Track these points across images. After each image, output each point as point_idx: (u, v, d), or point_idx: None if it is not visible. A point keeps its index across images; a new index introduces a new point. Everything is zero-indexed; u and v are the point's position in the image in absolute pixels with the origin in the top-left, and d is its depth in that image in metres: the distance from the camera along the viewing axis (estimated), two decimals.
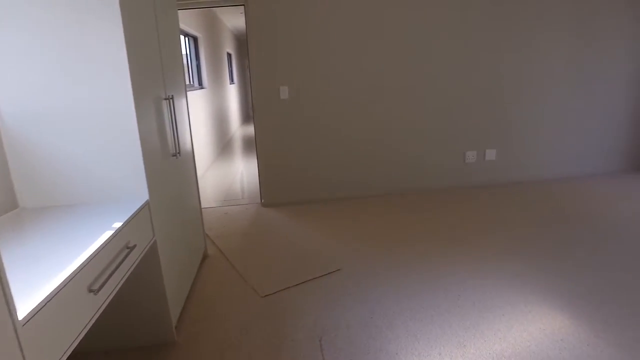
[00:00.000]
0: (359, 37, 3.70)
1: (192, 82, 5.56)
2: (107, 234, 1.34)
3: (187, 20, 4.95)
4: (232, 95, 9.37)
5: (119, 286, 1.36)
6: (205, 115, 5.76)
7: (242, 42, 11.96)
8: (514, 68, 4.07)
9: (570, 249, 2.77)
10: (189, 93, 4.76)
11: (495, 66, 4.03)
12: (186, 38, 5.30)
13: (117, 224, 1.43)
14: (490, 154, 4.28)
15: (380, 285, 2.39)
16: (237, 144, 7.62)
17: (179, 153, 2.24)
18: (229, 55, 9.42)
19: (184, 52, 5.17)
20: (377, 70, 3.82)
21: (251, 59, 3.60)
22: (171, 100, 2.16)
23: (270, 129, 3.79)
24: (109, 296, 1.27)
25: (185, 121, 2.56)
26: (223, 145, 7.27)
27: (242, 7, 3.57)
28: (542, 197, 3.88)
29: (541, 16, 3.96)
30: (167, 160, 2.05)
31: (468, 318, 2.04)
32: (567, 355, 1.75)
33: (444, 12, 3.78)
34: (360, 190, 4.10)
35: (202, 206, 3.99)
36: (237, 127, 9.73)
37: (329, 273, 2.56)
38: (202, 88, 5.78)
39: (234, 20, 8.25)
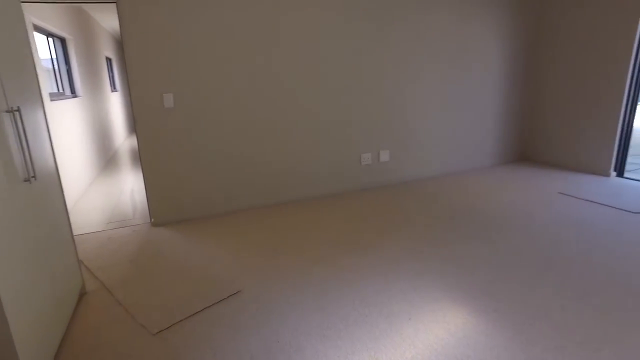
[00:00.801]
0: (249, 41, 3.53)
1: (61, 90, 4.85)
2: None
3: (50, 18, 4.28)
4: (115, 103, 8.49)
5: None
6: (82, 127, 5.07)
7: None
8: (401, 73, 4.26)
9: (463, 243, 2.93)
10: (57, 102, 4.13)
11: (384, 71, 4.17)
12: (49, 38, 4.60)
13: None
14: (385, 155, 4.42)
15: (284, 303, 2.24)
16: (125, 158, 6.90)
17: (34, 177, 1.84)
18: (109, 60, 8.53)
19: (45, 54, 4.47)
20: (269, 76, 3.69)
21: (128, 63, 3.21)
22: (17, 113, 1.76)
23: (155, 141, 3.42)
24: None
25: (44, 137, 2.14)
26: (107, 160, 6.51)
27: (115, 4, 3.16)
28: (433, 194, 4.11)
29: (428, 26, 4.21)
30: (15, 187, 1.66)
31: (377, 327, 1.99)
32: (470, 352, 1.79)
33: (332, 17, 3.80)
34: (257, 200, 3.92)
35: (81, 232, 3.46)
36: (123, 139, 8.85)
37: (229, 296, 2.34)
38: (75, 96, 5.08)
39: (111, 21, 7.47)
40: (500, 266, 2.57)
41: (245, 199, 3.86)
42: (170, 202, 3.59)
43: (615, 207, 3.53)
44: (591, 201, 3.70)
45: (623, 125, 4.28)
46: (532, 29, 4.85)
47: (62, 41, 5.00)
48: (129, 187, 4.91)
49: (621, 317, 2.02)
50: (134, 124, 3.39)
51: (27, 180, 1.79)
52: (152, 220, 3.57)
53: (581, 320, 2.00)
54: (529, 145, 5.28)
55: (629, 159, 4.37)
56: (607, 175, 4.43)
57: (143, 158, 3.42)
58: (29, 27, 3.59)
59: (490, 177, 4.62)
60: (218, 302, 2.29)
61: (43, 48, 4.35)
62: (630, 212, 3.42)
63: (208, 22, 3.35)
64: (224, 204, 3.78)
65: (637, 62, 4.09)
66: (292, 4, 3.61)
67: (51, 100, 3.96)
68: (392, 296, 2.26)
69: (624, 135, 4.33)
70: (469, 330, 1.93)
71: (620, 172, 4.45)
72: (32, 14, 3.74)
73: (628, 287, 2.29)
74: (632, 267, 2.52)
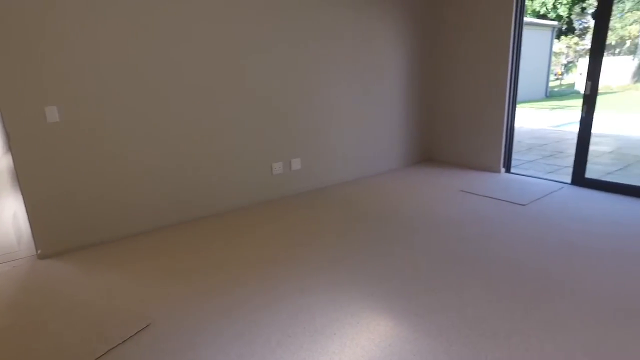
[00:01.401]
0: (149, 46, 3.25)
1: None
2: None
3: None
4: None
5: None
6: None
7: None
8: (309, 80, 4.27)
9: (377, 247, 3.00)
10: None
11: (291, 79, 4.14)
12: None
13: None
14: (296, 163, 4.39)
15: (200, 333, 2.07)
16: (2, 179, 5.97)
17: None
18: None
19: None
20: (173, 83, 3.44)
21: None
22: None
23: (38, 160, 2.97)
24: None
25: None
26: None
27: None
28: (346, 199, 4.17)
29: (335, 36, 4.26)
30: None
31: (301, 347, 1.92)
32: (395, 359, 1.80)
33: (239, 26, 3.67)
34: (162, 220, 3.63)
35: None
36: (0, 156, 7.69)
37: (137, 333, 2.10)
38: None
39: None
40: (415, 268, 2.67)
41: (147, 219, 3.53)
42: (60, 228, 3.15)
43: (507, 201, 3.89)
44: (488, 197, 4.04)
45: (507, 125, 4.77)
46: (428, 36, 5.19)
47: None
48: (9, 214, 4.24)
49: (525, 306, 2.19)
50: (8, 143, 2.91)
51: None
52: (39, 251, 3.10)
53: (489, 312, 2.13)
54: (432, 147, 5.65)
55: (514, 156, 4.92)
56: (498, 172, 4.90)
57: (23, 180, 2.95)
58: None
59: (399, 179, 4.83)
60: (124, 341, 2.04)
61: None
62: (519, 204, 3.80)
63: (101, 25, 3.01)
64: (123, 226, 3.42)
65: (513, 67, 4.59)
66: (197, 13, 3.40)
67: None
68: (313, 311, 2.21)
69: (508, 135, 4.82)
70: (393, 339, 1.95)
71: (508, 168, 4.95)
72: None
73: (524, 276, 2.51)
74: (525, 256, 2.78)
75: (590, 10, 20.18)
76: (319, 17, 4.17)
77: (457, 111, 5.20)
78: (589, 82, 4.03)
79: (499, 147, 4.84)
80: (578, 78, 18.78)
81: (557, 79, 22.81)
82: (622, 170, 5.13)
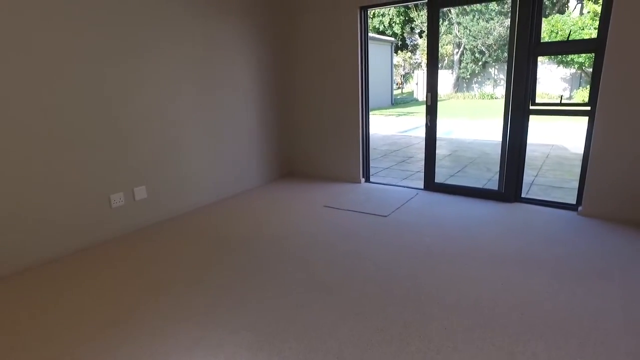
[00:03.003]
0: None
1: None
2: None
3: None
4: None
5: None
6: None
7: None
8: (153, 101, 3.65)
9: (237, 285, 2.58)
10: None
11: (132, 99, 3.47)
12: None
13: None
14: (140, 192, 3.71)
15: None
16: None
17: None
18: None
19: None
20: None
21: None
22: None
23: None
24: None
25: None
26: None
27: None
28: (201, 227, 3.66)
29: (181, 47, 3.70)
30: None
31: None
32: None
33: (69, 41, 2.88)
34: None
35: None
36: None
37: None
38: None
39: None
40: (281, 307, 2.34)
41: None
42: None
43: (370, 214, 3.87)
44: (352, 210, 3.97)
45: (363, 136, 4.84)
46: (282, 49, 4.99)
47: None
48: None
49: (397, 346, 2.03)
50: None
51: None
52: None
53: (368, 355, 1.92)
54: (293, 161, 5.46)
55: (372, 163, 5.06)
56: (359, 182, 4.94)
57: None
58: None
59: (261, 198, 4.50)
60: None
61: None
62: (382, 215, 3.81)
63: None
64: None
65: (363, 78, 4.68)
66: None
67: None
68: None
69: (364, 145, 4.91)
70: None
71: (367, 178, 5.04)
72: None
73: (395, 304, 2.39)
74: (395, 273, 2.69)
75: (417, 30, 23.15)
76: (157, 26, 3.59)
77: (314, 123, 5.11)
78: (429, 94, 4.30)
79: (357, 158, 4.88)
80: (415, 87, 21.36)
81: (399, 87, 25.69)
82: (461, 172, 5.70)
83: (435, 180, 4.54)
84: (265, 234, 3.48)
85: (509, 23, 3.85)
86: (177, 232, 3.61)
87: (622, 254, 2.89)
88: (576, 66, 17.12)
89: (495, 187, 4.33)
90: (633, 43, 3.17)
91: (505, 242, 3.16)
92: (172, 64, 3.81)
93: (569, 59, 16.43)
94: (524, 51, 3.68)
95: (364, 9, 4.49)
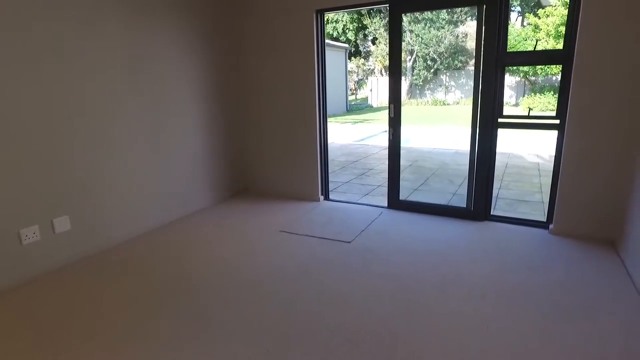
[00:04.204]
0: None
1: None
2: None
3: None
4: None
5: None
6: None
7: None
8: (80, 117, 3.05)
9: (176, 342, 2.08)
10: None
11: (50, 110, 2.86)
12: None
13: None
14: (62, 224, 3.10)
15: None
16: None
17: None
18: None
19: None
20: None
21: None
22: None
23: None
24: None
25: None
26: None
27: None
28: (139, 260, 3.10)
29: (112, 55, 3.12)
30: None
31: None
32: None
33: None
34: None
35: None
36: None
37: None
38: None
39: None
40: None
41: None
42: None
43: (332, 239, 3.48)
44: (311, 236, 3.56)
45: (320, 149, 4.45)
46: (230, 55, 4.50)
47: None
48: None
49: None
50: None
51: None
52: None
53: None
54: (248, 177, 4.97)
55: (330, 177, 4.67)
56: (318, 200, 4.54)
57: None
58: None
59: (211, 221, 3.98)
60: None
61: None
62: (345, 242, 3.42)
63: None
64: None
65: (320, 87, 4.30)
66: None
67: None
68: None
69: (323, 160, 4.51)
70: None
71: (326, 195, 4.65)
72: None
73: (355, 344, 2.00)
74: (365, 308, 2.31)
75: (371, 37, 23.28)
76: (85, 32, 3.01)
77: (269, 137, 4.66)
78: (392, 105, 3.99)
79: (315, 174, 4.48)
80: (369, 94, 21.40)
81: (353, 93, 25.79)
82: (424, 185, 5.45)
83: (400, 197, 4.22)
84: (211, 269, 2.98)
85: (475, 32, 3.62)
86: (106, 268, 3.03)
87: (602, 283, 2.68)
88: (521, 75, 17.83)
89: (462, 203, 4.08)
90: (601, 55, 3.01)
91: (481, 270, 2.87)
92: (103, 69, 3.23)
93: (514, 68, 17.07)
94: (491, 61, 3.45)
95: (321, 13, 4.12)
